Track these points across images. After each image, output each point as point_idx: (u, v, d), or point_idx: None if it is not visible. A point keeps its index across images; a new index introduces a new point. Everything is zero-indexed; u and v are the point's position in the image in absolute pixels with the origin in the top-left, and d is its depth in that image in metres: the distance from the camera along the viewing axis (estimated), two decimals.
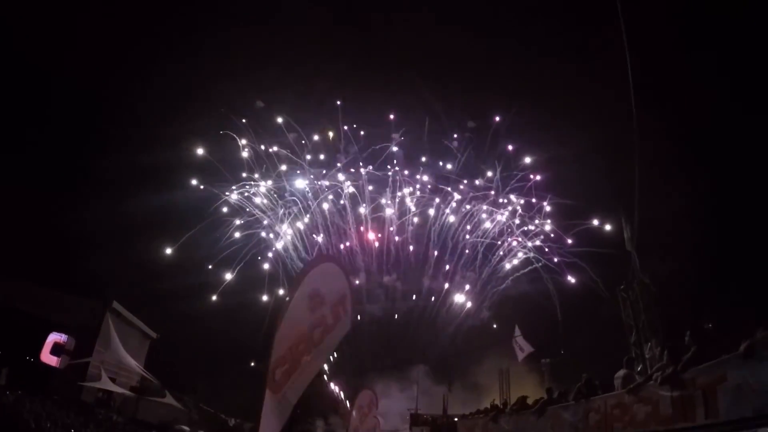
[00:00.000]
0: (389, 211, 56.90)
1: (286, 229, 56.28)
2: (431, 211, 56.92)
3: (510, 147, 53.90)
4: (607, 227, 45.29)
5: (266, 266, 54.19)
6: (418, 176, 57.10)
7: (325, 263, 6.96)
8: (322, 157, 56.99)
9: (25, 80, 43.56)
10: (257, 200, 56.52)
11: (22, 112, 44.79)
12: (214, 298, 51.42)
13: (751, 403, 7.91)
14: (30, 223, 43.43)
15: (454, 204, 56.69)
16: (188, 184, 53.85)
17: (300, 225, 56.71)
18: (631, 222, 22.17)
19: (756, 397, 7.82)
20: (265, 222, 56.45)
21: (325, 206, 57.05)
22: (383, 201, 56.99)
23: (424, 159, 57.05)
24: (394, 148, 56.03)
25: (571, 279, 49.83)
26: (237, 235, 54.36)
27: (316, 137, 56.46)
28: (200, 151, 53.80)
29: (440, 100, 52.91)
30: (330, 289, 6.66)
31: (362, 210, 57.09)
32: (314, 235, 56.85)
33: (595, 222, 47.69)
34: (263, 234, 56.00)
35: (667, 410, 9.87)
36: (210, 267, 52.89)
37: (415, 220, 57.33)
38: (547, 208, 52.99)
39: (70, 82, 46.15)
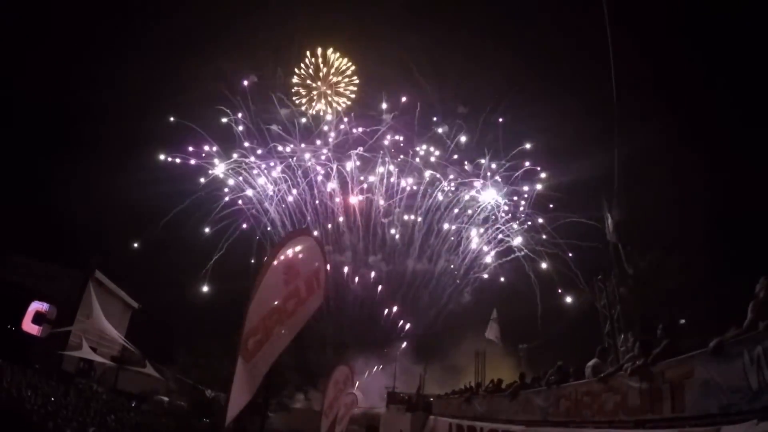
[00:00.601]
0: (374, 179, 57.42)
1: (274, 205, 56.60)
2: (419, 195, 57.43)
3: (500, 119, 54.18)
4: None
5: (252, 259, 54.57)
6: (407, 159, 57.35)
7: (301, 237, 7.01)
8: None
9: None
10: (247, 175, 56.77)
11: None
12: (205, 283, 51.65)
13: (717, 399, 8.01)
14: (13, 193, 43.29)
15: (443, 188, 57.08)
16: (175, 155, 53.95)
17: (289, 199, 57.14)
18: (613, 213, 22.26)
19: (722, 394, 7.90)
20: (254, 197, 56.64)
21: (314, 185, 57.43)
22: (373, 182, 57.47)
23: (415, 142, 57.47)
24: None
25: (551, 268, 50.40)
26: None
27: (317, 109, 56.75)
28: (192, 125, 54.06)
29: (433, 84, 53.34)
30: (305, 263, 6.74)
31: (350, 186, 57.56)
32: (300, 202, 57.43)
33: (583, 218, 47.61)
34: (247, 209, 56.30)
35: (635, 401, 10.01)
36: (201, 238, 53.29)
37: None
38: (538, 187, 53.49)
39: (58, 51, 45.99)
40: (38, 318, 30.64)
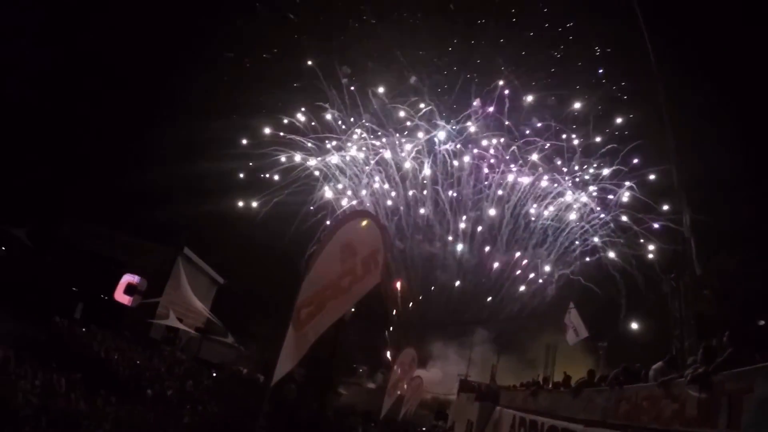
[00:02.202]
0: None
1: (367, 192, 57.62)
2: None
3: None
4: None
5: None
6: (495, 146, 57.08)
7: (360, 218, 7.36)
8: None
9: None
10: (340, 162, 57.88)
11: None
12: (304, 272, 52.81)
13: None
14: (109, 173, 46.06)
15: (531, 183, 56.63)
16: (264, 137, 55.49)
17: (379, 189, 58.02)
18: (691, 209, 21.29)
19: None
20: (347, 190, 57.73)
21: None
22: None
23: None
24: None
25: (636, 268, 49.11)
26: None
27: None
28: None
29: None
30: (362, 242, 7.08)
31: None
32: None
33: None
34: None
35: (692, 411, 9.41)
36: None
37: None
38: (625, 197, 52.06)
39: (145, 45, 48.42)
40: (129, 289, 32.76)
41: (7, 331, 19.99)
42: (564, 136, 54.64)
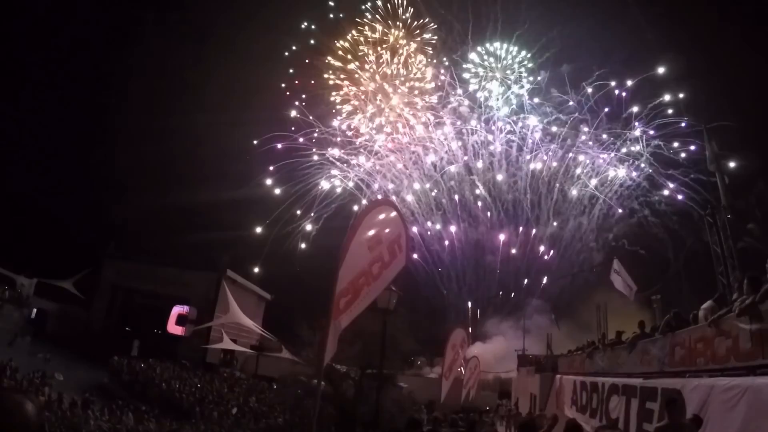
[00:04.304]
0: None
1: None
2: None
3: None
4: None
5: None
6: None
7: (381, 206, 7.67)
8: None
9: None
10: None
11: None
12: None
13: None
14: (145, 211, 47.04)
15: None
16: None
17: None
18: (714, 140, 20.67)
19: None
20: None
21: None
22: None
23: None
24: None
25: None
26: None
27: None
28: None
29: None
30: (386, 229, 7.34)
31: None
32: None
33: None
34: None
35: (746, 344, 9.11)
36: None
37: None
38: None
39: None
40: (180, 319, 34.05)
41: (70, 377, 20.75)
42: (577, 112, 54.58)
